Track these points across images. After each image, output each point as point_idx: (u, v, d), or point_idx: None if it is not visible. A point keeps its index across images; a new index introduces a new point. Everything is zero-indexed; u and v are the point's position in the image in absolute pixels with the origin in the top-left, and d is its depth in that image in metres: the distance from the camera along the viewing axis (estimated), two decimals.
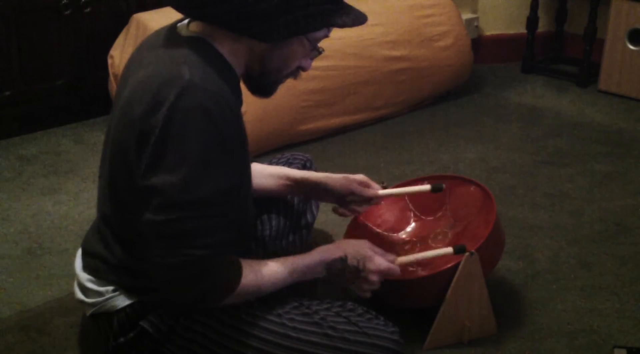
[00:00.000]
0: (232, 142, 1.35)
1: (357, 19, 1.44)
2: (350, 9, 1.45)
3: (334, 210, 1.83)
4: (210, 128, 1.30)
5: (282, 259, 1.48)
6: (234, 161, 1.37)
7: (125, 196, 1.41)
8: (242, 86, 1.51)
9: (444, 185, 1.83)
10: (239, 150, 1.39)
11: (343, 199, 1.78)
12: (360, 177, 1.79)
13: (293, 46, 1.44)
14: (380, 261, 1.57)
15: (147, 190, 1.33)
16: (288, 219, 1.86)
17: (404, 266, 1.68)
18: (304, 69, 1.50)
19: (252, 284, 1.41)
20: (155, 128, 1.30)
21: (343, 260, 1.53)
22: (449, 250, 1.68)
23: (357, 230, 1.95)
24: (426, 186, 1.83)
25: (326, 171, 2.57)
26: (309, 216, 1.86)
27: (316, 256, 1.52)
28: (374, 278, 1.57)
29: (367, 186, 1.79)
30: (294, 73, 1.51)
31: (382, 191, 1.80)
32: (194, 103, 1.30)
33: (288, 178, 1.76)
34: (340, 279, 1.56)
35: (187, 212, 1.30)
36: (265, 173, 1.75)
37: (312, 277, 1.52)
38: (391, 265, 1.60)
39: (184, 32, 1.44)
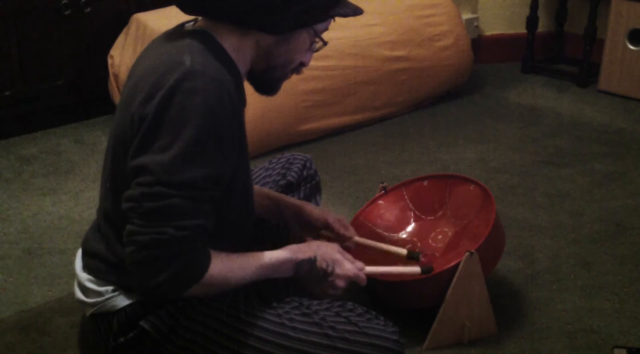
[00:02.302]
0: (228, 131, 1.35)
1: (357, 9, 1.48)
2: (347, 2, 1.48)
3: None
4: (207, 113, 1.30)
5: (252, 254, 1.47)
6: (227, 150, 1.36)
7: (127, 186, 1.40)
8: (246, 86, 1.51)
9: (420, 254, 1.79)
10: (234, 142, 1.38)
11: (315, 231, 1.76)
12: (341, 217, 1.78)
13: (300, 39, 1.45)
14: (348, 266, 1.56)
15: (134, 170, 1.32)
16: None
17: (370, 276, 1.66)
18: (304, 64, 1.51)
19: (220, 275, 1.39)
20: (150, 112, 1.30)
21: (312, 261, 1.51)
22: (417, 269, 1.69)
23: (357, 230, 1.95)
24: (403, 250, 1.78)
25: (326, 171, 2.60)
26: None
27: (286, 254, 1.50)
28: (341, 283, 1.55)
29: (345, 227, 1.77)
30: (297, 69, 1.52)
31: (357, 238, 1.78)
32: (194, 87, 1.30)
33: (269, 197, 1.75)
34: (306, 280, 1.54)
35: (168, 190, 1.29)
36: (260, 194, 1.74)
37: (280, 275, 1.50)
38: (358, 272, 1.58)
39: (187, 28, 1.44)
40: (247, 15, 1.37)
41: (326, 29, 1.49)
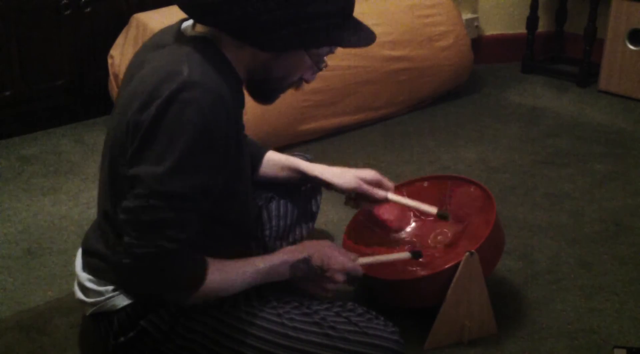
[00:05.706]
0: (223, 142, 1.35)
1: (364, 38, 1.44)
2: (358, 25, 1.44)
3: (346, 203, 1.86)
4: (202, 125, 1.30)
5: (248, 260, 1.47)
6: (221, 161, 1.36)
7: (124, 192, 1.41)
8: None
9: (449, 215, 1.82)
10: (230, 152, 1.38)
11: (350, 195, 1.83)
12: (371, 175, 1.79)
13: (296, 58, 1.43)
14: (343, 259, 1.56)
15: (129, 180, 1.33)
16: (288, 219, 1.86)
17: (366, 267, 1.67)
18: (306, 81, 1.50)
19: (217, 283, 1.40)
20: (145, 121, 1.31)
21: (307, 260, 1.52)
22: (407, 254, 1.71)
23: (356, 230, 1.95)
24: (433, 209, 1.82)
25: None
26: (312, 210, 1.88)
27: (280, 257, 1.50)
28: (339, 277, 1.56)
29: (379, 184, 1.80)
30: (297, 84, 1.50)
31: (391, 196, 1.81)
32: (189, 98, 1.30)
33: (299, 171, 1.79)
34: (304, 280, 1.55)
35: (162, 202, 1.30)
36: (279, 165, 1.79)
37: (276, 279, 1.50)
38: (354, 264, 1.59)
39: (188, 32, 1.44)
40: (242, 31, 1.36)
41: (330, 52, 1.47)
